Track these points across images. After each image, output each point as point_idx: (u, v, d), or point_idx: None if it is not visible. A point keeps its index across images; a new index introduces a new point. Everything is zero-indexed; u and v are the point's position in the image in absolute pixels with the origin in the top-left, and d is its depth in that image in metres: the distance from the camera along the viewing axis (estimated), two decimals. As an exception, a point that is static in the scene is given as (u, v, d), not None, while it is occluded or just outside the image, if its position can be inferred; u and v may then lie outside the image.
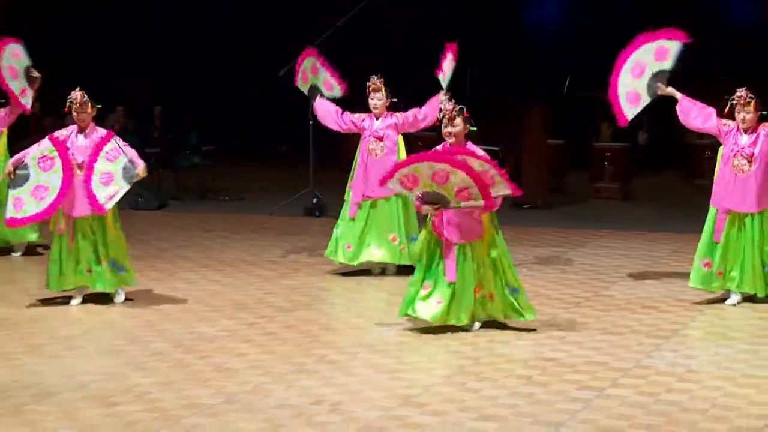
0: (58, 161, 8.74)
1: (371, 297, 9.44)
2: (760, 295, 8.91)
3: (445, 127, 8.02)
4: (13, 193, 8.78)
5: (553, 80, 19.26)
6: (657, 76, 9.22)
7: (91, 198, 8.70)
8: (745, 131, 8.90)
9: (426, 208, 7.86)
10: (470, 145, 8.03)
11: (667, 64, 9.20)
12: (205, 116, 19.65)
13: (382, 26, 20.26)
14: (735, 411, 6.25)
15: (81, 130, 8.94)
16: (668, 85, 9.21)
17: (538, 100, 16.26)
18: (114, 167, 8.77)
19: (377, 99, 10.10)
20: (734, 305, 8.90)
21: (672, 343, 7.71)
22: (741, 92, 8.89)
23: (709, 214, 9.01)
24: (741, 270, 8.90)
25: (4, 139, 11.08)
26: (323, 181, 14.09)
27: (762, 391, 6.63)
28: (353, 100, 10.76)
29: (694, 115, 9.12)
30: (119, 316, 8.64)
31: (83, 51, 20.43)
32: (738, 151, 8.88)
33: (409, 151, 10.20)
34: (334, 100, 10.61)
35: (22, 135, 11.79)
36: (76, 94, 8.95)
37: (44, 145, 8.82)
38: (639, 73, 9.26)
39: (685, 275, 10.10)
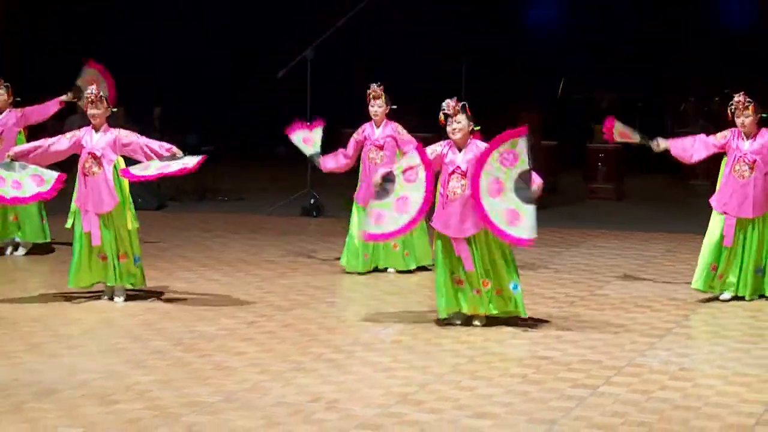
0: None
1: (368, 296, 9.49)
2: (748, 298, 9.01)
3: (450, 125, 8.10)
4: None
5: (552, 81, 19.32)
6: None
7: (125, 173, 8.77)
8: (747, 136, 8.97)
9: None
10: (480, 143, 8.12)
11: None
12: (205, 116, 19.68)
13: (382, 26, 20.30)
14: (727, 408, 6.31)
15: (95, 129, 8.98)
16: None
17: (530, 102, 16.34)
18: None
19: (377, 106, 10.18)
20: (727, 300, 9.02)
21: (665, 342, 7.78)
22: (739, 97, 8.96)
23: (712, 218, 9.06)
24: (738, 274, 9.00)
25: (23, 138, 11.15)
26: (321, 182, 14.15)
27: (753, 389, 6.69)
28: (353, 101, 10.82)
29: (692, 151, 9.17)
30: (119, 315, 8.70)
31: (83, 51, 20.45)
32: (741, 156, 8.96)
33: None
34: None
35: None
36: (92, 89, 9.00)
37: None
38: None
39: (679, 274, 10.21)
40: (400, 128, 10.24)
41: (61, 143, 8.98)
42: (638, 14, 20.21)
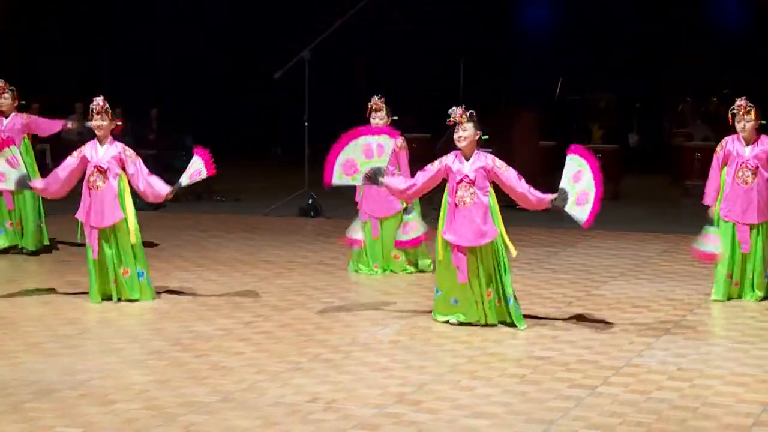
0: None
1: (365, 296, 9.51)
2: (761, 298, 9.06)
3: (456, 132, 8.10)
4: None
5: (552, 81, 19.34)
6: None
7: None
8: (747, 142, 8.98)
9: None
10: (489, 156, 8.17)
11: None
12: (205, 116, 19.71)
13: (382, 26, 20.32)
14: (724, 409, 6.31)
15: (100, 142, 8.98)
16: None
17: (528, 103, 16.37)
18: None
19: (378, 118, 10.22)
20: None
21: (663, 342, 7.79)
22: (741, 101, 8.95)
23: (722, 226, 9.05)
24: (752, 279, 9.04)
25: (28, 143, 11.18)
26: (319, 182, 14.14)
27: (751, 389, 6.70)
28: (352, 101, 10.84)
29: (716, 185, 9.12)
30: (117, 315, 8.70)
31: (83, 51, 20.48)
32: (743, 163, 8.97)
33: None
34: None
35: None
36: (98, 100, 8.99)
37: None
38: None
39: (676, 274, 10.24)
40: (399, 141, 10.27)
41: (69, 163, 8.99)
42: (638, 14, 20.23)
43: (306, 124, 14.07)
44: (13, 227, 11.20)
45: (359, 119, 10.53)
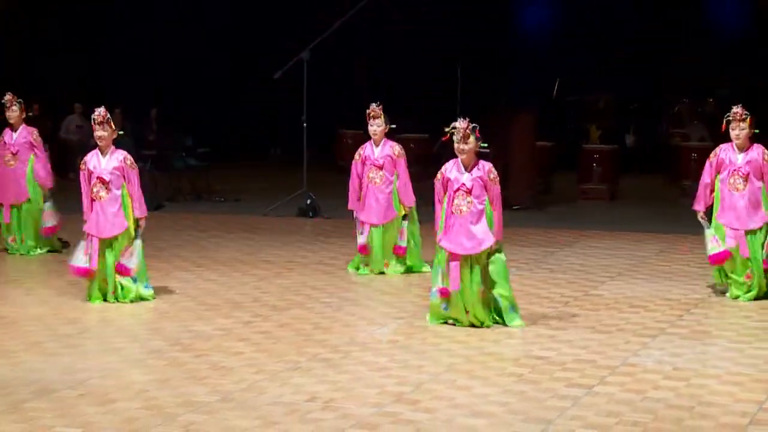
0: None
1: (363, 296, 9.54)
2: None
3: (458, 143, 8.16)
4: None
5: (551, 81, 19.36)
6: None
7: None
8: (740, 149, 9.02)
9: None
10: (487, 166, 8.22)
11: None
12: (205, 116, 19.72)
13: (382, 26, 20.32)
14: (720, 408, 6.35)
15: (102, 152, 9.02)
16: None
17: (528, 103, 16.40)
18: None
19: (376, 125, 10.28)
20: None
21: (659, 342, 7.83)
22: (737, 109, 9.00)
23: (715, 226, 9.11)
24: (754, 278, 9.11)
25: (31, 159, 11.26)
26: (317, 183, 14.21)
27: (746, 388, 6.73)
28: (352, 101, 10.88)
29: (707, 193, 9.18)
30: (117, 315, 8.73)
31: (83, 51, 20.49)
32: (735, 170, 9.02)
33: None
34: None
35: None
36: (99, 111, 9.00)
37: None
38: None
39: (673, 274, 10.27)
40: (396, 148, 10.34)
41: (84, 189, 9.05)
42: (638, 14, 20.24)
43: (304, 124, 14.09)
44: (17, 242, 11.33)
45: (359, 119, 10.59)
